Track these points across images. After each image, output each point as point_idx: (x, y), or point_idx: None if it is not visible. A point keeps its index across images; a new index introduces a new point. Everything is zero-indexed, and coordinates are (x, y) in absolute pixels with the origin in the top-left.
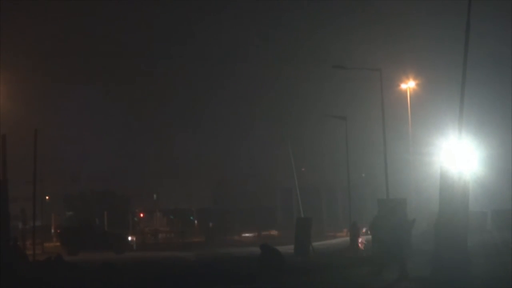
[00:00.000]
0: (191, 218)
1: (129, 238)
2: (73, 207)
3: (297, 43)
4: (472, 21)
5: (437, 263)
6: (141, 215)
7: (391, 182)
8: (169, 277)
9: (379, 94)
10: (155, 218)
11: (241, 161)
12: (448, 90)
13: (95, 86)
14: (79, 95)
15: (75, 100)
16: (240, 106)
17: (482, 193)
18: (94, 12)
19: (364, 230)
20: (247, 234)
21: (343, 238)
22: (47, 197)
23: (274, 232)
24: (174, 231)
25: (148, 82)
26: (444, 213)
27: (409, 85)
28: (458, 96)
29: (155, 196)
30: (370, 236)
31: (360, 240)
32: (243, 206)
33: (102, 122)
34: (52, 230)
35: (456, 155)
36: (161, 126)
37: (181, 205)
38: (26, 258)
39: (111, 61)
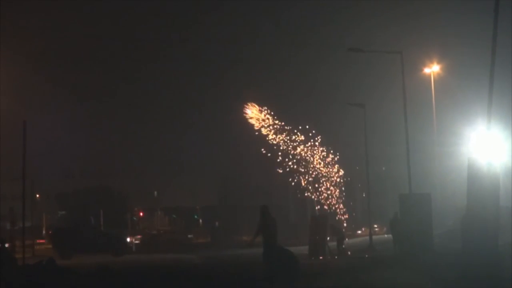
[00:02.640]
0: (195, 217)
1: (128, 239)
2: (66, 205)
3: (313, 26)
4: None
5: (465, 263)
6: (141, 214)
7: (414, 176)
8: (171, 282)
9: (400, 80)
10: (156, 217)
11: (250, 154)
12: (476, 74)
13: (92, 79)
14: (74, 87)
15: (69, 92)
16: (247, 95)
17: None
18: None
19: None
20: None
21: (362, 238)
22: (37, 196)
23: None
24: (177, 231)
25: (151, 75)
26: (472, 209)
27: (433, 69)
28: (487, 81)
29: (156, 193)
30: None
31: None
32: (252, 204)
33: (97, 115)
34: (44, 231)
35: (485, 146)
36: (162, 119)
37: (184, 203)
38: (14, 262)
39: (110, 53)
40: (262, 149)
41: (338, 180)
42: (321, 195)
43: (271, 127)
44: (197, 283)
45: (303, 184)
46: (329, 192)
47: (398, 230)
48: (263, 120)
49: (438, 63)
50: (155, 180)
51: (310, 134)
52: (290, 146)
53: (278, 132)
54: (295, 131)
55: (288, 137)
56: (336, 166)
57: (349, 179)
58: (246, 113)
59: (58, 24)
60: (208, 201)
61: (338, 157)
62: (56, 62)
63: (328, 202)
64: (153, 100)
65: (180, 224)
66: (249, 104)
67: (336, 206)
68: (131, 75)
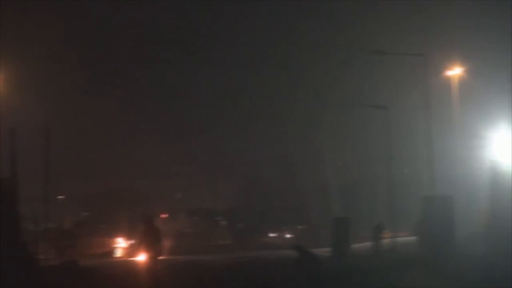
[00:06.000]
0: (217, 219)
1: None
2: (91, 207)
3: (336, 29)
4: None
5: (489, 265)
6: (162, 215)
7: (437, 178)
8: (193, 284)
9: (422, 82)
10: (179, 219)
11: (272, 157)
12: (500, 77)
13: (112, 80)
14: (95, 89)
15: (91, 94)
16: (270, 98)
17: None
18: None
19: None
20: (273, 234)
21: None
22: (59, 197)
23: None
24: (199, 233)
25: (174, 75)
26: (495, 212)
27: (456, 71)
28: (510, 83)
29: (180, 195)
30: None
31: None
32: (275, 205)
33: (120, 117)
34: None
35: (508, 148)
36: (187, 121)
37: (207, 205)
38: (36, 263)
39: (131, 54)
40: None
41: None
42: None
43: None
44: (220, 284)
45: None
46: None
47: (422, 232)
48: None
49: (461, 65)
50: (179, 181)
51: None
52: None
53: None
54: None
55: None
56: None
57: None
58: None
59: (75, 25)
60: (231, 203)
61: None
62: (77, 63)
63: None
64: (179, 102)
65: (203, 226)
66: None
67: None
68: (157, 77)
